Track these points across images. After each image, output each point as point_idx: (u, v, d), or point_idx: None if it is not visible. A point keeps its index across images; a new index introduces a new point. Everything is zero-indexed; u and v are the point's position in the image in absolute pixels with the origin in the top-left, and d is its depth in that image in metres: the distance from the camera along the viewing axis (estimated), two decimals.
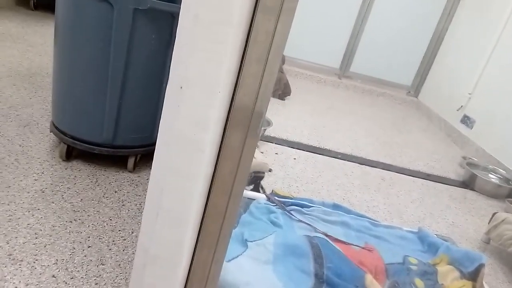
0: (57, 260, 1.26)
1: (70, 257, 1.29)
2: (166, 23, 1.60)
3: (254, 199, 1.64)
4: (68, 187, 1.60)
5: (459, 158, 3.10)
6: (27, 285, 1.16)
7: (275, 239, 1.40)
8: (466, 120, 3.42)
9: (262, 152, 2.35)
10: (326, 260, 1.33)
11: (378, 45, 4.25)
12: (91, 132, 1.68)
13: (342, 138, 2.92)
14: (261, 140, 2.47)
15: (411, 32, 4.23)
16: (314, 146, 2.65)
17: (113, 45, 1.54)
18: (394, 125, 3.59)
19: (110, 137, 1.68)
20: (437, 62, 4.25)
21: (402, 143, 3.17)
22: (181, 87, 0.67)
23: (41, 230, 1.36)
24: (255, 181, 1.87)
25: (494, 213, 1.97)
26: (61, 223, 1.42)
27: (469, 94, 3.46)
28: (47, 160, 1.74)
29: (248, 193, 1.69)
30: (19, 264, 1.22)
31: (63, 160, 1.76)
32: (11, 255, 1.24)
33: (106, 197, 1.60)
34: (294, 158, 2.41)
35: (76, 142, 1.70)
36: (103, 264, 1.29)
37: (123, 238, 1.42)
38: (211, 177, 0.72)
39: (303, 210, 1.65)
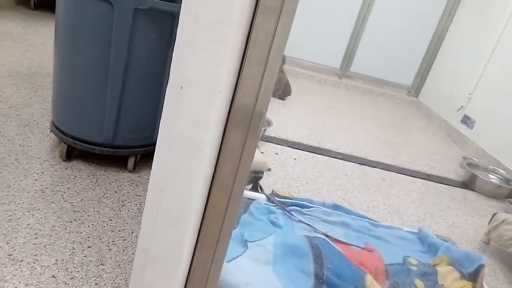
0: (57, 260, 1.26)
1: (70, 257, 1.29)
2: (166, 23, 1.60)
3: (254, 200, 1.64)
4: (68, 187, 1.60)
5: (459, 158, 3.10)
6: (27, 285, 1.16)
7: (275, 240, 1.40)
8: (467, 120, 3.42)
9: (262, 152, 2.34)
10: (326, 260, 1.33)
11: (378, 45, 4.25)
12: (91, 132, 1.68)
13: (342, 138, 2.92)
14: (261, 140, 2.47)
15: (412, 32, 4.23)
16: (314, 146, 2.65)
17: (113, 45, 1.53)
18: (394, 125, 3.59)
19: (110, 137, 1.68)
20: (438, 62, 4.25)
21: (402, 143, 3.17)
22: (181, 87, 0.67)
23: (41, 230, 1.36)
24: (254, 180, 1.87)
25: (494, 214, 1.97)
26: (61, 223, 1.42)
27: (470, 94, 3.46)
28: (47, 160, 1.74)
29: (248, 193, 1.69)
30: (19, 264, 1.21)
31: (63, 160, 1.76)
32: (11, 255, 1.24)
33: (106, 197, 1.60)
34: (294, 158, 2.40)
35: (76, 142, 1.70)
36: (103, 265, 1.29)
37: (123, 238, 1.42)
38: (211, 178, 0.72)
39: (303, 210, 1.65)
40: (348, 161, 2.57)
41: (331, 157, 2.56)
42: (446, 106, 3.81)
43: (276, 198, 1.68)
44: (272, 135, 2.62)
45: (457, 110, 3.57)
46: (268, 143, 2.50)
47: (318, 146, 2.66)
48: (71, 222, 1.43)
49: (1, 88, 2.24)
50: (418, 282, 1.39)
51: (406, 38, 4.25)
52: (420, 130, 3.66)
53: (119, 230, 1.45)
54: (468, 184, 2.66)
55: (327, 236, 1.50)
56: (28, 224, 1.37)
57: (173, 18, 1.59)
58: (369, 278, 1.31)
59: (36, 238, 1.33)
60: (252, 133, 0.70)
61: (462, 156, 3.11)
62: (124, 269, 1.29)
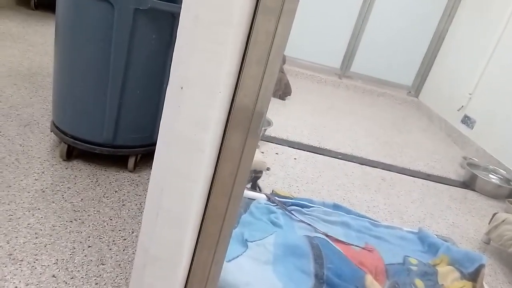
0: (57, 260, 1.26)
1: (70, 257, 1.29)
2: (166, 23, 1.60)
3: (255, 199, 1.64)
4: (68, 187, 1.61)
5: (460, 158, 3.10)
6: (27, 285, 1.16)
7: (275, 239, 1.40)
8: (467, 120, 3.42)
9: (262, 152, 2.35)
10: (326, 260, 1.33)
11: (378, 45, 4.25)
12: (92, 132, 1.68)
13: (342, 138, 2.92)
14: (261, 140, 2.47)
15: (412, 32, 4.23)
16: (314, 146, 2.65)
17: (113, 45, 1.54)
18: (394, 125, 3.59)
19: (111, 137, 1.68)
20: (438, 62, 4.25)
21: (402, 143, 3.17)
22: (182, 88, 0.67)
23: (41, 230, 1.36)
24: (253, 180, 1.87)
25: (495, 214, 1.97)
26: (62, 223, 1.42)
27: (470, 94, 3.46)
28: (47, 159, 1.74)
29: (249, 193, 1.69)
30: (19, 264, 1.22)
31: (64, 160, 1.76)
32: (11, 255, 1.24)
33: (107, 197, 1.61)
34: (295, 158, 2.41)
35: (76, 141, 1.70)
36: (103, 264, 1.29)
37: (123, 238, 1.42)
38: (211, 178, 0.72)
39: (303, 210, 1.65)
40: (348, 161, 2.57)
41: (331, 157, 2.56)
42: (446, 106, 3.81)
43: (277, 198, 1.68)
44: (272, 135, 2.62)
45: (458, 110, 3.57)
46: (268, 143, 2.50)
47: (318, 146, 2.66)
48: (71, 221, 1.43)
49: (2, 88, 2.24)
50: (418, 282, 1.39)
51: (406, 38, 4.25)
52: (420, 130, 3.66)
53: (120, 230, 1.45)
54: (468, 184, 2.66)
55: (327, 236, 1.50)
56: (28, 224, 1.37)
57: (173, 19, 1.59)
58: (369, 278, 1.31)
59: (37, 237, 1.33)
60: (252, 133, 0.70)
61: (463, 156, 3.11)
62: (125, 268, 1.29)
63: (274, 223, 1.51)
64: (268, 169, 2.13)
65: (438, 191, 2.47)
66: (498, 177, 2.77)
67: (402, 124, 3.71)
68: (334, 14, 4.16)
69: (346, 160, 2.57)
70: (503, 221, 1.88)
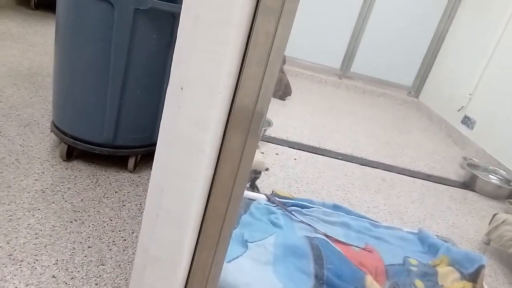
0: (57, 260, 1.26)
1: (70, 257, 1.29)
2: (167, 23, 1.60)
3: (255, 200, 1.64)
4: (68, 187, 1.61)
5: (460, 158, 3.09)
6: (27, 285, 1.16)
7: (275, 240, 1.40)
8: (467, 121, 3.42)
9: (262, 153, 2.35)
10: (326, 261, 1.33)
11: (378, 45, 4.25)
12: (92, 132, 1.68)
13: (342, 139, 2.92)
14: (261, 140, 2.47)
15: (412, 32, 4.23)
16: (314, 147, 2.65)
17: (113, 45, 1.54)
18: (394, 126, 3.59)
19: (111, 137, 1.68)
20: (438, 63, 4.25)
21: (402, 143, 3.17)
22: (182, 88, 0.67)
23: (41, 230, 1.36)
24: (252, 180, 1.87)
25: (495, 214, 1.97)
26: (62, 223, 1.42)
27: (470, 94, 3.46)
28: (47, 160, 1.74)
29: (249, 193, 1.69)
30: (19, 264, 1.22)
31: (64, 160, 1.76)
32: (11, 255, 1.24)
33: (107, 197, 1.60)
34: (295, 159, 2.40)
35: (76, 142, 1.70)
36: (103, 265, 1.29)
37: (123, 238, 1.42)
38: (211, 179, 0.72)
39: (303, 210, 1.65)
40: (348, 161, 2.57)
41: (331, 157, 2.56)
42: (446, 106, 3.81)
43: (277, 199, 1.68)
44: (273, 135, 2.62)
45: (458, 111, 3.57)
46: (268, 144, 2.50)
47: (318, 147, 2.66)
48: (71, 222, 1.43)
49: (2, 88, 2.24)
50: (418, 282, 1.39)
51: (406, 38, 4.26)
52: (420, 131, 3.66)
53: (120, 230, 1.45)
54: (468, 184, 2.66)
55: (327, 236, 1.50)
56: (28, 224, 1.37)
57: (173, 19, 1.59)
58: (369, 279, 1.31)
59: (37, 238, 1.33)
60: (253, 133, 0.70)
61: (463, 157, 3.11)
62: (125, 269, 1.29)
63: (274, 224, 1.51)
64: (267, 169, 2.13)
65: (438, 192, 2.47)
66: (498, 178, 2.77)
67: (402, 125, 3.71)
68: (334, 15, 4.16)
69: (346, 160, 2.57)
70: (503, 221, 1.88)
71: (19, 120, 1.97)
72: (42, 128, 1.95)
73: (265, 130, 2.54)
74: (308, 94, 3.83)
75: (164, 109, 0.72)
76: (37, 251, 1.28)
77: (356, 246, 1.50)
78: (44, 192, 1.54)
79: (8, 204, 1.44)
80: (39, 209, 1.45)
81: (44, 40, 3.17)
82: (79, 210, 1.50)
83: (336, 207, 1.74)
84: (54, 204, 1.49)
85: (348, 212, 1.73)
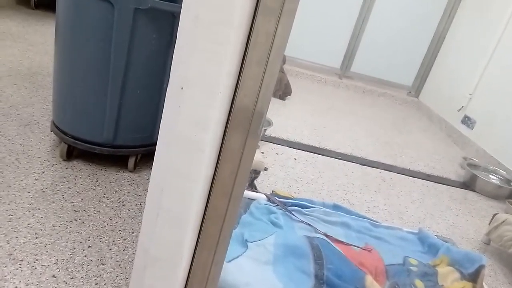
0: (57, 260, 1.26)
1: (71, 257, 1.29)
2: (166, 23, 1.60)
3: (255, 199, 1.64)
4: (68, 187, 1.61)
5: (460, 158, 3.09)
6: (27, 285, 1.16)
7: (275, 240, 1.40)
8: (467, 121, 3.42)
9: (262, 152, 2.34)
10: (326, 261, 1.33)
11: (378, 45, 4.25)
12: (92, 132, 1.68)
13: (342, 138, 2.92)
14: (261, 140, 2.47)
15: (412, 32, 4.23)
16: (314, 146, 2.65)
17: (113, 44, 1.53)
18: (394, 126, 3.59)
19: (111, 137, 1.68)
20: (438, 63, 4.25)
21: (402, 143, 3.17)
22: (182, 88, 0.67)
23: (41, 230, 1.36)
24: (250, 180, 1.87)
25: (495, 214, 1.97)
26: (62, 223, 1.42)
27: (470, 94, 3.46)
28: (47, 159, 1.74)
29: (249, 193, 1.69)
30: (20, 264, 1.22)
31: (64, 160, 1.76)
32: (11, 254, 1.24)
33: (107, 197, 1.60)
34: (295, 158, 2.40)
35: (76, 141, 1.70)
36: (103, 264, 1.29)
37: (123, 238, 1.42)
38: (211, 179, 0.72)
39: (303, 210, 1.65)
40: (349, 161, 2.57)
41: (331, 157, 2.56)
42: (446, 106, 3.81)
43: (277, 198, 1.68)
44: (273, 135, 2.62)
45: (458, 111, 3.56)
46: (268, 143, 2.50)
47: (318, 146, 2.66)
48: (71, 221, 1.43)
49: (2, 88, 2.24)
50: (418, 282, 1.39)
51: (406, 38, 4.25)
52: (420, 131, 3.66)
53: (120, 230, 1.45)
54: (468, 184, 2.66)
55: (327, 236, 1.50)
56: (28, 224, 1.37)
57: (173, 18, 1.59)
58: (369, 279, 1.31)
59: (37, 237, 1.33)
60: (253, 133, 0.70)
61: (463, 157, 3.11)
62: (125, 269, 1.29)
63: (274, 224, 1.51)
64: (266, 169, 2.13)
65: (438, 192, 2.47)
66: (498, 178, 2.77)
67: (402, 125, 3.71)
68: (334, 14, 4.16)
69: (346, 160, 2.57)
70: (503, 221, 1.88)
71: (19, 119, 1.97)
72: (42, 127, 1.95)
73: (265, 130, 2.54)
74: (308, 94, 3.83)
75: (164, 109, 0.72)
76: (37, 251, 1.28)
77: (356, 246, 1.50)
78: (44, 191, 1.54)
79: (8, 204, 1.44)
80: (39, 209, 1.45)
81: (44, 40, 3.17)
82: (79, 209, 1.50)
83: (336, 207, 1.74)
84: (54, 204, 1.49)
85: (348, 212, 1.73)
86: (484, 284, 1.44)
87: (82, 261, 1.28)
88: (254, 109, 0.68)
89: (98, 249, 1.34)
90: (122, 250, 1.36)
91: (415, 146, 3.19)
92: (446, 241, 1.67)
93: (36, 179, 1.60)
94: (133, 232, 1.46)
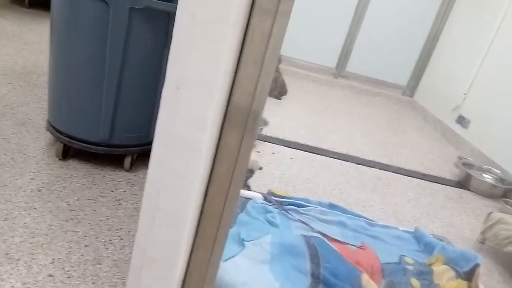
0: (53, 259, 1.26)
1: (67, 256, 1.29)
2: (162, 22, 1.60)
3: (251, 199, 1.64)
4: (64, 186, 1.60)
5: (455, 158, 3.11)
6: (23, 284, 1.15)
7: (272, 239, 1.40)
8: (461, 120, 3.44)
9: (258, 152, 2.35)
10: (322, 259, 1.34)
11: (374, 44, 4.26)
12: (88, 131, 1.68)
13: (338, 138, 2.93)
14: (257, 139, 2.48)
15: (407, 32, 4.25)
16: (310, 146, 2.65)
17: (109, 44, 1.53)
18: (389, 125, 3.61)
19: (107, 136, 1.68)
20: (433, 62, 4.27)
21: (397, 143, 3.18)
22: (178, 87, 0.67)
23: (37, 229, 1.36)
24: (244, 179, 1.87)
25: (489, 213, 1.98)
26: (58, 222, 1.41)
27: (464, 94, 3.48)
28: (43, 159, 1.73)
29: (245, 192, 1.69)
30: (16, 263, 1.21)
31: (59, 159, 1.75)
32: (7, 254, 1.24)
33: (103, 196, 1.60)
34: (291, 158, 2.41)
35: (72, 141, 1.69)
36: (100, 264, 1.29)
37: (120, 237, 1.42)
38: (208, 178, 0.72)
39: (300, 209, 1.65)
40: (344, 160, 2.58)
41: (327, 156, 2.57)
42: (441, 106, 3.82)
43: (273, 198, 1.68)
44: (269, 134, 2.62)
45: (452, 110, 3.58)
46: (264, 143, 2.50)
47: (314, 146, 2.67)
48: (67, 221, 1.43)
49: None
50: (414, 281, 1.40)
51: (401, 38, 4.27)
52: (415, 130, 3.68)
53: (116, 229, 1.45)
54: (463, 183, 2.67)
55: (323, 235, 1.50)
56: (24, 223, 1.37)
57: (168, 18, 1.59)
58: (365, 277, 1.31)
59: (33, 237, 1.32)
60: (249, 133, 0.70)
61: (457, 156, 3.13)
62: (121, 268, 1.29)
63: (270, 223, 1.51)
64: (260, 168, 2.13)
65: (434, 191, 2.49)
66: (493, 177, 2.79)
67: (398, 124, 3.72)
68: (329, 14, 4.17)
69: (342, 159, 2.58)
70: (497, 220, 1.90)
71: (14, 119, 1.96)
72: (37, 127, 1.95)
73: (261, 129, 2.55)
74: (304, 94, 3.84)
75: (161, 109, 0.72)
76: (34, 250, 1.27)
77: (352, 245, 1.50)
78: (40, 191, 1.54)
79: (4, 203, 1.43)
80: (35, 208, 1.45)
81: (39, 39, 3.15)
82: (75, 209, 1.50)
83: (332, 206, 1.75)
84: (50, 203, 1.49)
85: (344, 211, 1.74)
86: (479, 282, 1.45)
87: (79, 260, 1.28)
88: (250, 109, 0.69)
89: (94, 248, 1.34)
90: (118, 249, 1.36)
91: (410, 145, 3.21)
92: (441, 240, 1.68)
93: (31, 179, 1.59)
94: (129, 231, 1.45)
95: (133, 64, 1.60)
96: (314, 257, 1.34)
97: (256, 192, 1.73)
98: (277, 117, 2.97)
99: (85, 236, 1.38)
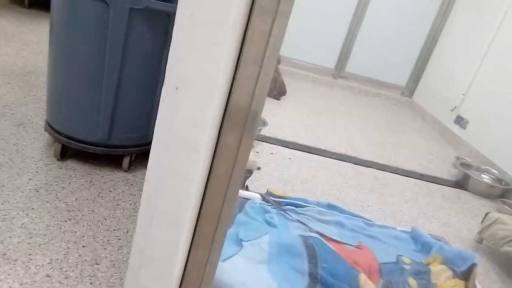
0: (51, 259, 1.26)
1: (65, 256, 1.29)
2: (161, 22, 1.60)
3: (249, 199, 1.64)
4: (62, 187, 1.60)
5: (453, 158, 3.12)
6: (21, 284, 1.15)
7: (270, 239, 1.41)
8: (460, 121, 3.45)
9: (257, 152, 2.35)
10: (320, 259, 1.34)
11: (373, 45, 4.27)
12: (86, 131, 1.68)
13: (337, 138, 2.93)
14: (256, 140, 2.48)
15: (406, 32, 4.26)
16: (309, 146, 2.65)
17: (108, 44, 1.53)
18: (388, 126, 3.61)
19: (105, 137, 1.68)
20: (431, 63, 4.28)
21: (396, 143, 3.19)
22: (178, 87, 0.67)
23: (35, 229, 1.36)
24: (243, 179, 1.87)
25: (487, 213, 1.99)
26: (56, 222, 1.41)
27: (463, 94, 3.49)
28: (41, 159, 1.73)
29: (243, 192, 1.69)
30: (14, 264, 1.21)
31: (58, 160, 1.75)
32: (5, 254, 1.24)
33: (101, 196, 1.60)
34: (289, 158, 2.41)
35: (71, 141, 1.69)
36: (97, 264, 1.29)
37: (118, 237, 1.42)
38: (206, 178, 0.73)
39: (298, 210, 1.66)
40: (343, 161, 2.58)
41: (326, 157, 2.57)
42: (439, 106, 3.83)
43: (271, 198, 1.68)
44: (267, 135, 2.63)
45: (451, 111, 3.59)
46: (263, 143, 2.50)
47: (313, 146, 2.67)
48: (65, 221, 1.43)
49: None
50: (412, 280, 1.40)
51: (400, 38, 4.28)
52: (414, 131, 3.68)
53: (114, 230, 1.45)
54: (461, 184, 2.68)
55: (321, 235, 1.51)
56: (22, 224, 1.37)
57: (168, 18, 1.59)
58: (363, 277, 1.32)
59: (31, 237, 1.32)
60: (247, 133, 0.70)
61: (455, 156, 3.14)
62: (119, 268, 1.29)
63: (268, 223, 1.51)
64: (259, 168, 2.13)
65: (431, 191, 2.49)
66: (491, 177, 2.79)
67: (396, 125, 3.73)
68: (329, 14, 4.17)
69: (340, 160, 2.58)
70: (495, 220, 1.90)
71: (13, 119, 1.96)
72: (36, 127, 1.94)
73: (259, 130, 2.55)
74: (303, 94, 3.84)
75: (160, 109, 0.73)
76: (31, 251, 1.27)
77: (350, 245, 1.51)
78: (38, 191, 1.54)
79: (2, 204, 1.43)
80: (33, 209, 1.45)
81: (39, 39, 3.15)
82: (73, 209, 1.50)
83: (330, 206, 1.75)
84: (48, 204, 1.49)
85: (342, 211, 1.74)
86: (476, 282, 1.46)
87: (77, 260, 1.28)
88: (249, 109, 0.69)
89: (92, 249, 1.34)
90: (116, 250, 1.36)
91: (409, 146, 3.21)
92: (439, 240, 1.68)
93: (30, 179, 1.59)
94: (127, 232, 1.46)
95: (132, 64, 1.60)
96: (312, 257, 1.35)
97: (254, 192, 1.74)
98: (276, 117, 2.97)
99: (83, 237, 1.38)
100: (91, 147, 1.69)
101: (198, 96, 0.67)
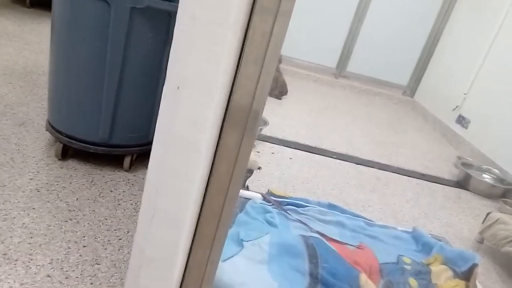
0: (52, 259, 1.26)
1: (65, 256, 1.29)
2: (163, 22, 1.60)
3: (250, 199, 1.64)
4: (63, 186, 1.60)
5: (454, 158, 3.11)
6: (21, 284, 1.15)
7: (271, 239, 1.41)
8: (461, 120, 3.44)
9: (258, 152, 2.35)
10: (321, 259, 1.34)
11: (374, 44, 4.26)
12: (87, 131, 1.68)
13: (338, 138, 2.93)
14: (257, 139, 2.48)
15: (407, 32, 4.25)
16: (310, 146, 2.65)
17: (109, 43, 1.53)
18: (390, 125, 3.61)
19: (106, 136, 1.68)
20: (433, 62, 4.27)
21: (397, 143, 3.18)
22: (179, 87, 0.67)
23: (36, 229, 1.36)
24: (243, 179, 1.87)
25: (488, 213, 1.99)
26: (57, 222, 1.41)
27: (465, 94, 3.48)
28: (42, 159, 1.73)
29: (244, 192, 1.69)
30: (14, 264, 1.21)
31: (59, 159, 1.75)
32: (6, 254, 1.24)
33: (102, 196, 1.60)
34: (290, 158, 2.41)
35: (72, 141, 1.69)
36: (98, 264, 1.29)
37: (118, 237, 1.42)
38: (207, 178, 0.72)
39: (299, 209, 1.65)
40: (344, 160, 2.58)
41: (327, 156, 2.57)
42: (441, 106, 3.83)
43: (272, 198, 1.68)
44: (268, 134, 2.62)
45: (452, 110, 3.58)
46: (264, 143, 2.50)
47: (314, 146, 2.67)
48: (66, 221, 1.43)
49: None
50: (412, 281, 1.40)
51: (402, 38, 4.27)
52: (415, 130, 3.68)
53: (115, 230, 1.45)
54: (462, 183, 2.67)
55: (322, 235, 1.51)
56: (23, 223, 1.37)
57: (169, 18, 1.59)
58: (363, 277, 1.32)
59: (31, 237, 1.32)
60: (248, 132, 0.70)
61: (457, 156, 3.13)
62: (120, 268, 1.29)
63: (269, 223, 1.51)
64: (259, 168, 2.13)
65: (433, 191, 2.49)
66: (492, 177, 2.79)
67: (398, 124, 3.72)
68: (330, 14, 4.17)
69: (341, 159, 2.58)
70: (496, 220, 1.90)
71: (14, 118, 1.96)
72: (37, 126, 1.95)
73: (261, 129, 2.55)
74: (304, 94, 3.84)
75: (161, 109, 0.73)
76: (32, 251, 1.27)
77: (350, 245, 1.51)
78: (39, 191, 1.54)
79: (3, 203, 1.43)
80: (34, 208, 1.45)
81: (40, 39, 3.15)
82: (74, 209, 1.50)
83: (331, 206, 1.75)
84: (49, 203, 1.49)
85: (343, 211, 1.74)
86: (477, 282, 1.45)
87: (77, 260, 1.28)
88: (250, 108, 0.69)
89: (93, 249, 1.34)
90: (117, 250, 1.36)
91: (410, 145, 3.21)
92: (440, 240, 1.68)
93: (31, 179, 1.59)
94: (128, 232, 1.46)
95: (133, 64, 1.60)
96: (313, 257, 1.34)
97: (255, 192, 1.74)
98: (277, 117, 2.97)
99: (84, 237, 1.38)
100: (92, 146, 1.69)
101: (198, 96, 0.67)
